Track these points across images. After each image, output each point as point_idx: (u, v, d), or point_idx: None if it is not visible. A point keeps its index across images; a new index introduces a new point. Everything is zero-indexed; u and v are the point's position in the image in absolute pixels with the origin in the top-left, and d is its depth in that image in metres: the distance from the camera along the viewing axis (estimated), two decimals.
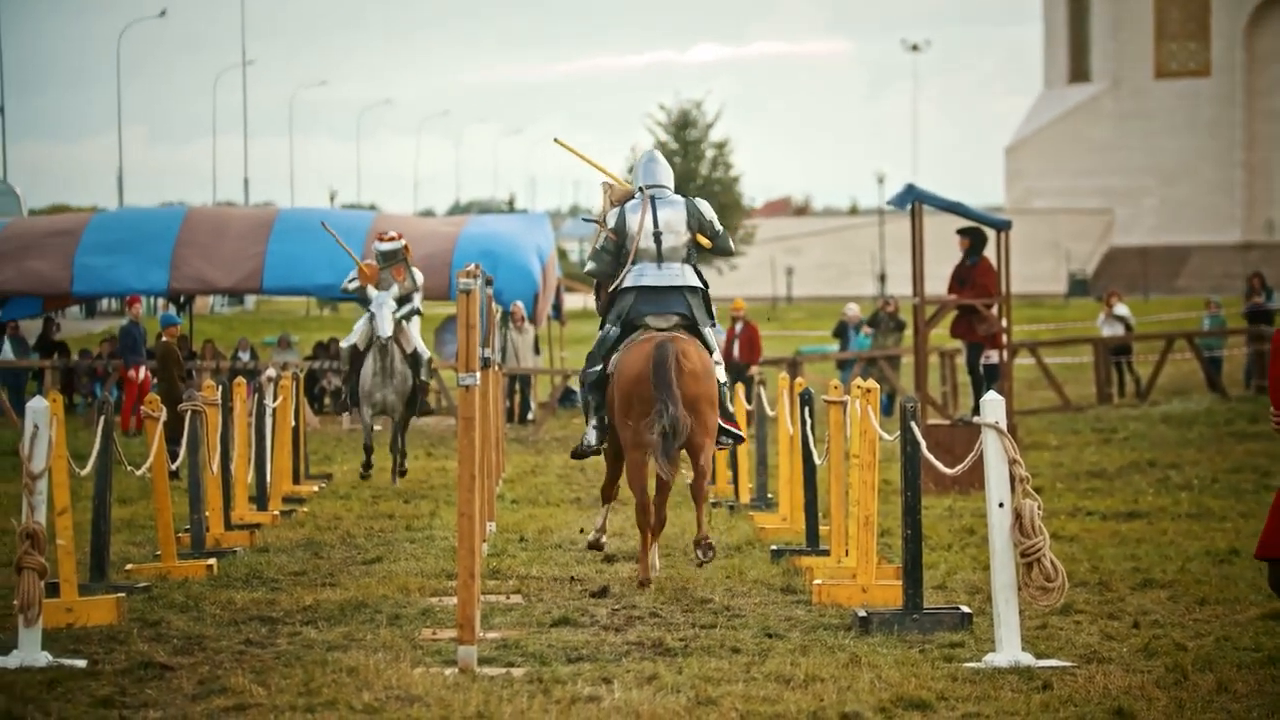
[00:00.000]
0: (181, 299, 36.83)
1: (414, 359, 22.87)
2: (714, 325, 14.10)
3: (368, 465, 22.40)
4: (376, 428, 23.24)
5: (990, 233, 22.43)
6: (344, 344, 23.50)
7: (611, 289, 13.98)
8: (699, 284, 13.88)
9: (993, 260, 22.35)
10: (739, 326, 31.32)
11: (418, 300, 23.02)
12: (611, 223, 13.95)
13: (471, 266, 11.66)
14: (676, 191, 14.16)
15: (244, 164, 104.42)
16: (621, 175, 14.63)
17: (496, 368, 20.37)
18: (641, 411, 13.31)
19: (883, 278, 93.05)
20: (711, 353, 13.82)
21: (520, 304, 33.19)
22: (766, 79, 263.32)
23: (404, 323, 22.85)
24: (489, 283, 16.49)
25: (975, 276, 22.25)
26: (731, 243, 14.25)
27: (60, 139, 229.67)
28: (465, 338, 10.66)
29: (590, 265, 14.09)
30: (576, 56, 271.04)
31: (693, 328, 13.82)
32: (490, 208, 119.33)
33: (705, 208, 14.06)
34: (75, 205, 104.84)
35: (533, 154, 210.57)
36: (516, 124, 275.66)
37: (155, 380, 25.28)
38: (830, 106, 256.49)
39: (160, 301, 38.14)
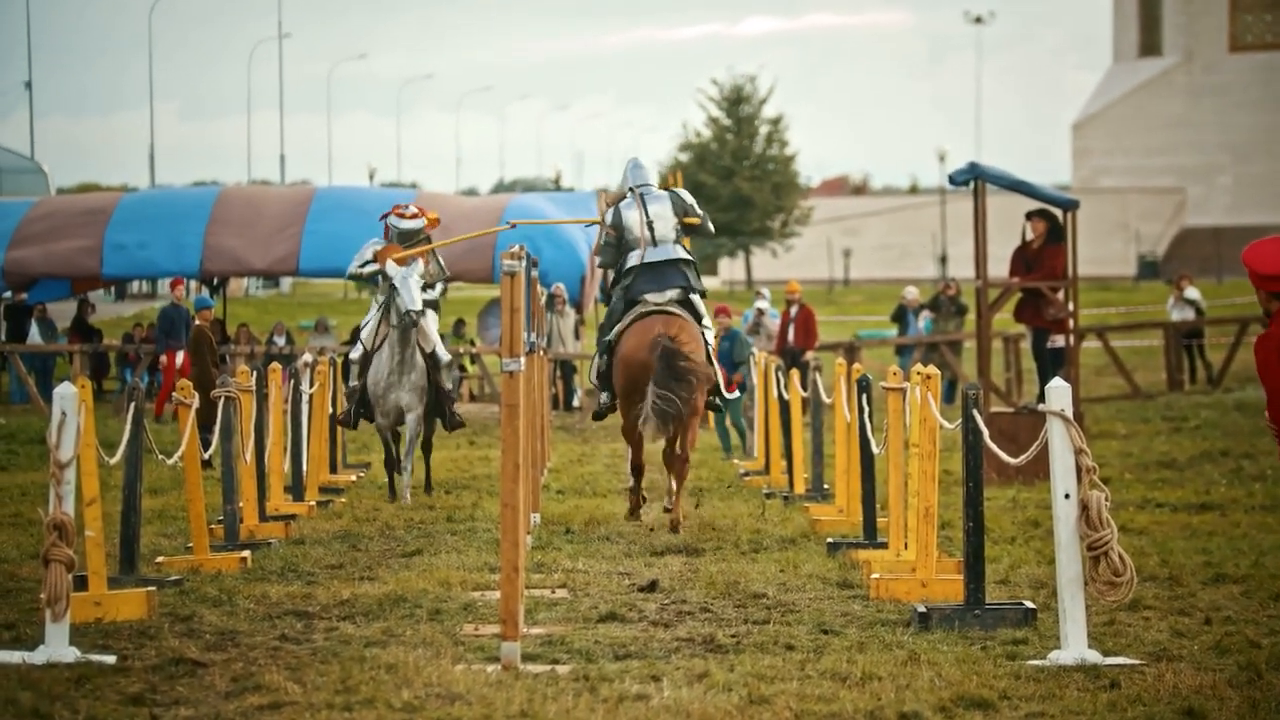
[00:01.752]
0: (214, 281, 36.57)
1: (433, 360, 19.34)
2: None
3: (394, 489, 19.24)
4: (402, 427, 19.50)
5: (1057, 212, 22.08)
6: (352, 355, 19.66)
7: (616, 270, 16.94)
8: (689, 256, 16.90)
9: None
10: (794, 310, 30.93)
11: (439, 290, 19.78)
12: (610, 220, 16.98)
13: (516, 248, 11.41)
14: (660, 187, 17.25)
15: (280, 141, 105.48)
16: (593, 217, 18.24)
17: (541, 353, 20.06)
18: (640, 394, 16.14)
19: (944, 259, 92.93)
20: (701, 318, 16.72)
21: (562, 286, 32.89)
22: (822, 52, 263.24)
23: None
24: (534, 265, 16.29)
25: (1045, 258, 21.87)
26: (710, 224, 17.23)
27: (90, 115, 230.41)
28: (509, 321, 10.53)
29: (599, 259, 17.45)
30: (623, 30, 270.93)
31: (686, 302, 16.68)
32: (535, 186, 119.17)
33: (686, 196, 17.13)
34: (105, 184, 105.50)
35: (579, 131, 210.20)
36: (562, 100, 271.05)
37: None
38: (889, 81, 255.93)
39: (194, 284, 38.08)
